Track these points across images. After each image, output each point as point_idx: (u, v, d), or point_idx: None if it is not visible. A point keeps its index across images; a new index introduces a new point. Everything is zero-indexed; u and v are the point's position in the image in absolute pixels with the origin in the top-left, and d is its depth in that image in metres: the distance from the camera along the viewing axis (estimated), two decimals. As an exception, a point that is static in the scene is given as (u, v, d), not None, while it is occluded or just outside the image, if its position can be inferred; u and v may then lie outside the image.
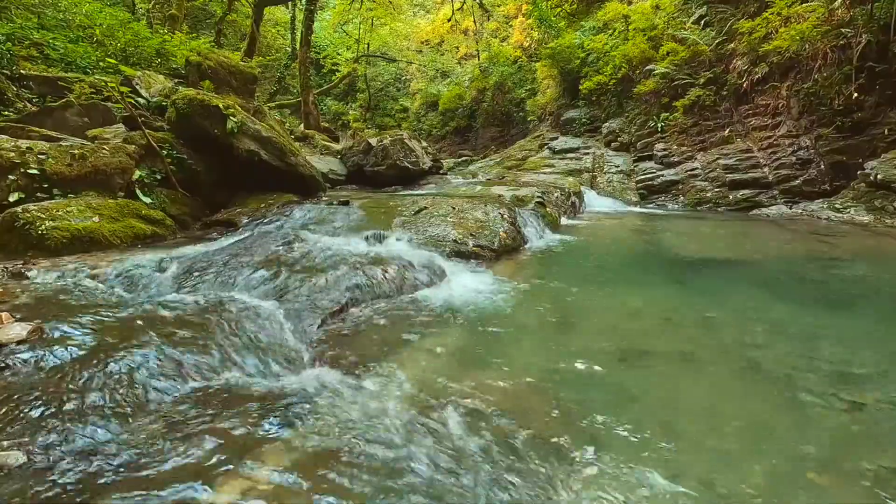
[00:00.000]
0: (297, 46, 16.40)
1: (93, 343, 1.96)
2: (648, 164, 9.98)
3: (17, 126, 5.32)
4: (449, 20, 20.50)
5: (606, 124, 11.80)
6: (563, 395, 1.98)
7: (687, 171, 9.28)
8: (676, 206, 9.03)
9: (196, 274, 3.18)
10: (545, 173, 10.49)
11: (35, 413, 1.55)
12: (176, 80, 8.34)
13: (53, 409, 1.57)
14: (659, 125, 10.14)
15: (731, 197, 8.53)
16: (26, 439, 1.44)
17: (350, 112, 22.42)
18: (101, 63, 8.49)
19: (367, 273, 3.30)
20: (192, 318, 2.32)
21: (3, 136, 4.47)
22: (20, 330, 1.93)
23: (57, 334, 1.98)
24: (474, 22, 19.65)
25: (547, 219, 6.02)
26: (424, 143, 10.62)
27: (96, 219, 4.03)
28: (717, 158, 8.92)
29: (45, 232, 3.65)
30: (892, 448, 1.65)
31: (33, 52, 8.21)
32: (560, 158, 11.62)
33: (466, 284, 3.59)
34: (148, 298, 2.70)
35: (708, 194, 8.79)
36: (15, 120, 5.83)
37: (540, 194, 6.63)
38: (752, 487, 1.44)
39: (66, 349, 1.88)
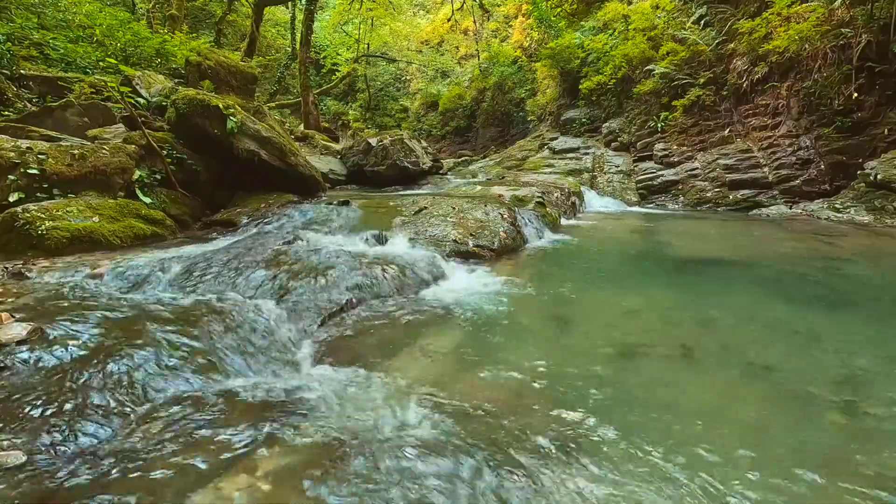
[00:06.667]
0: (297, 46, 16.39)
1: (93, 343, 1.96)
2: (648, 164, 9.98)
3: (17, 126, 5.33)
4: (449, 20, 20.49)
5: (606, 124, 11.79)
6: (563, 394, 1.98)
7: (687, 171, 9.28)
8: (676, 206, 9.03)
9: (196, 274, 3.18)
10: (545, 173, 10.48)
11: (35, 413, 1.55)
12: (176, 80, 8.34)
13: (53, 409, 1.57)
14: (659, 125, 10.14)
15: (730, 197, 8.53)
16: (26, 439, 1.44)
17: (350, 112, 22.40)
18: (101, 63, 8.49)
19: (368, 273, 3.31)
20: (192, 318, 2.32)
21: (3, 136, 4.46)
22: (20, 330, 1.93)
23: (57, 334, 1.98)
24: (474, 22, 19.64)
25: (547, 219, 6.02)
26: (424, 143, 10.63)
27: (96, 219, 4.04)
28: (717, 158, 8.92)
29: (44, 232, 3.65)
30: (891, 449, 1.65)
31: (33, 52, 8.22)
32: (560, 158, 11.62)
33: (466, 284, 3.59)
34: (148, 298, 2.70)
35: (708, 194, 8.79)
36: (15, 120, 5.83)
37: (540, 194, 6.63)
38: (751, 488, 1.44)
39: (66, 349, 1.88)
